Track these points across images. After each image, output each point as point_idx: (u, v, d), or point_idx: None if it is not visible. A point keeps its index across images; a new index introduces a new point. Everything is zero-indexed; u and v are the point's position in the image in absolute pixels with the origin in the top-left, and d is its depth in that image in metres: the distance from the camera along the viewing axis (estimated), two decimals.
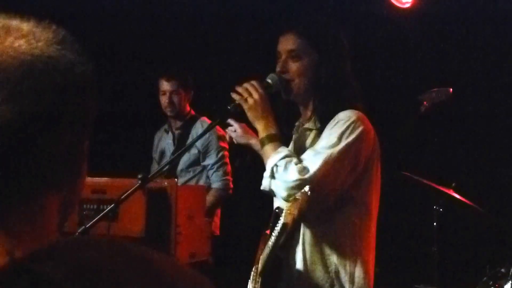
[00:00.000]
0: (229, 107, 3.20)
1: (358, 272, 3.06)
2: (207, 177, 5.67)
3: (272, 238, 2.95)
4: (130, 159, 6.23)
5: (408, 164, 5.09)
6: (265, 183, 3.10)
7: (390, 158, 3.26)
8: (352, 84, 3.17)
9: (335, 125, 3.03)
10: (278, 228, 2.89)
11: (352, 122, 3.02)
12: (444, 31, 6.29)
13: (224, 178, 5.65)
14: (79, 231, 2.93)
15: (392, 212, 3.17)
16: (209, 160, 5.65)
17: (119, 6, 6.94)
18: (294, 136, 3.30)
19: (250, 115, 3.15)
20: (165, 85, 5.65)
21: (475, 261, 5.75)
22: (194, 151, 5.66)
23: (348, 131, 3.00)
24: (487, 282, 4.70)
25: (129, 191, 3.16)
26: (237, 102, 3.15)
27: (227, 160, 5.66)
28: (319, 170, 2.95)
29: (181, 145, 5.58)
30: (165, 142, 5.86)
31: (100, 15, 6.85)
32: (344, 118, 3.03)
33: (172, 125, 5.81)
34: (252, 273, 3.27)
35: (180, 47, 6.91)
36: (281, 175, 3.01)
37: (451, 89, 4.60)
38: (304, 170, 2.97)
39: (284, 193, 2.98)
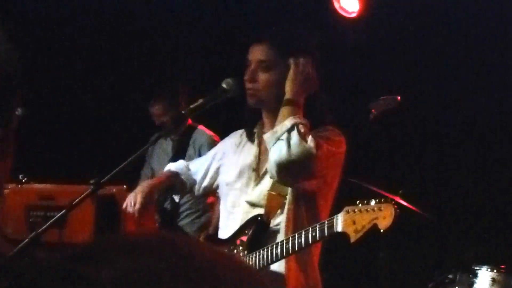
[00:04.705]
0: None
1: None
2: None
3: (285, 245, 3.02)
4: (79, 166, 6.18)
5: (355, 170, 5.12)
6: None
7: None
8: (323, 96, 3.29)
9: (326, 132, 3.17)
10: (316, 235, 2.95)
11: (341, 140, 3.20)
12: (391, 40, 6.35)
13: None
14: (30, 236, 2.86)
15: None
16: None
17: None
18: (263, 146, 3.29)
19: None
20: (154, 109, 5.56)
21: (423, 267, 5.82)
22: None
23: (338, 144, 3.18)
24: (434, 287, 4.76)
25: (82, 196, 3.08)
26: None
27: None
28: (318, 148, 3.04)
29: (179, 152, 5.48)
30: (162, 147, 5.69)
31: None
32: (335, 133, 3.20)
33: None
34: None
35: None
36: None
37: (399, 97, 4.63)
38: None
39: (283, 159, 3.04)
